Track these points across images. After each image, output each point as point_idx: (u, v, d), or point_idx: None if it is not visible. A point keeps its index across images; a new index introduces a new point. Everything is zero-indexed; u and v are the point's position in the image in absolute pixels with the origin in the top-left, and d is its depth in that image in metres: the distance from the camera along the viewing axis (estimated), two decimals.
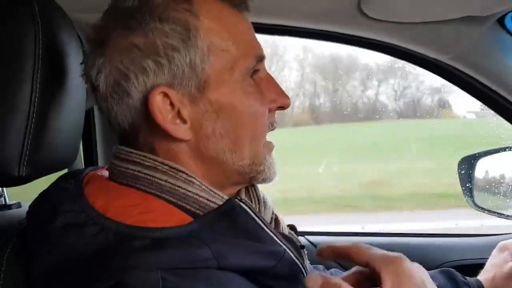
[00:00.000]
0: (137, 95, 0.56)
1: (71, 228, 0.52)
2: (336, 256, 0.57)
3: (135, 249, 0.49)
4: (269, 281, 0.56)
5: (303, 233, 1.28)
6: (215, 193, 0.58)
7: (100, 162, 1.17)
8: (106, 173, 0.64)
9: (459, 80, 1.06)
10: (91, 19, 0.83)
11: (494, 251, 0.91)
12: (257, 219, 0.56)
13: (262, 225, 0.57)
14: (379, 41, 1.03)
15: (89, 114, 1.16)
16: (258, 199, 0.64)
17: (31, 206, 0.60)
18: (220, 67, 0.58)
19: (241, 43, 0.60)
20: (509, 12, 0.94)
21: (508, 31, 1.00)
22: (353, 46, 1.05)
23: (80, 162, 1.13)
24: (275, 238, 0.57)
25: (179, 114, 0.57)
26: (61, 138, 0.64)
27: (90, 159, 1.17)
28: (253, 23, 0.64)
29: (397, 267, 0.50)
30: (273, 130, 0.66)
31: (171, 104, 0.57)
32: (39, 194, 0.60)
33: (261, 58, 0.62)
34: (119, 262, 0.48)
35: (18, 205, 0.81)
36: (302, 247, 0.64)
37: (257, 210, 0.61)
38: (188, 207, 0.57)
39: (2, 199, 0.82)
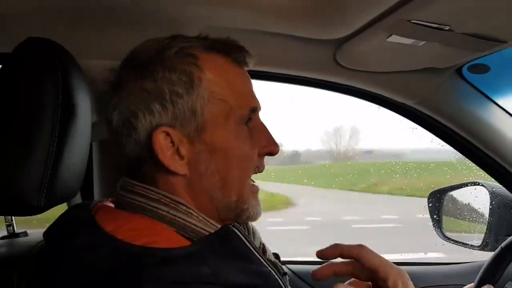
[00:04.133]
0: (143, 132, 0.65)
1: (89, 248, 0.59)
2: (342, 256, 0.66)
3: (147, 264, 0.56)
4: None
5: (285, 262, 1.36)
6: (211, 223, 0.67)
7: (96, 195, 1.21)
8: (111, 204, 0.72)
9: (423, 121, 1.19)
10: (98, 64, 0.92)
11: None
12: (247, 242, 0.64)
13: (251, 248, 0.64)
14: (353, 87, 1.14)
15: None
16: (247, 229, 0.73)
17: (49, 228, 0.66)
18: (217, 114, 0.67)
19: (238, 95, 0.68)
20: (465, 64, 1.08)
21: (465, 80, 1.14)
22: (329, 91, 1.16)
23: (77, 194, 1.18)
24: (262, 260, 0.65)
25: (178, 151, 0.66)
26: (72, 170, 0.71)
27: (87, 192, 1.21)
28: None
29: (406, 279, 0.63)
30: (260, 172, 0.73)
31: (172, 142, 0.65)
32: (56, 219, 0.67)
33: (255, 109, 0.70)
34: (134, 276, 0.55)
35: (25, 234, 0.87)
36: (285, 273, 0.73)
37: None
38: (185, 235, 0.64)
39: (11, 228, 0.87)
